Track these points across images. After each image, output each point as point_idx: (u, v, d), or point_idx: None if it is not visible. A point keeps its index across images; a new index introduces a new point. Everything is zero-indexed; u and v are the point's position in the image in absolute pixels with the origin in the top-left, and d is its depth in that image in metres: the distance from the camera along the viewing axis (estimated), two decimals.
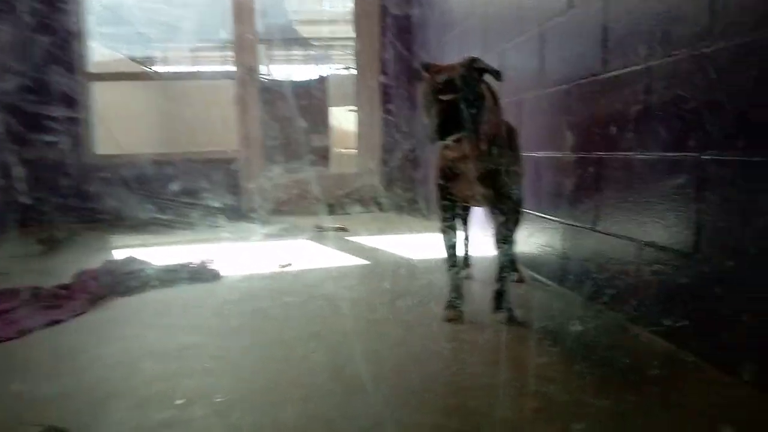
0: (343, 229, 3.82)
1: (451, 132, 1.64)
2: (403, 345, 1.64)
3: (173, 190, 4.39)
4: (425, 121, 1.73)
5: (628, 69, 1.72)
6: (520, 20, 2.45)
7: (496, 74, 1.75)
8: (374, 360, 1.53)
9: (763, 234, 1.26)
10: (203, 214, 4.31)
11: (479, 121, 1.69)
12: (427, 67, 1.74)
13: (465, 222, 2.42)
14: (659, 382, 1.35)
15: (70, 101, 4.37)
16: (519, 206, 2.12)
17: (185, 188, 4.45)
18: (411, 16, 4.67)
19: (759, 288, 1.27)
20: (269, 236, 3.72)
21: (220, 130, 5.76)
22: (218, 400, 1.35)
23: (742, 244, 1.31)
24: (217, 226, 4.09)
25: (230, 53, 5.03)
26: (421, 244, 3.20)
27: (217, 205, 4.41)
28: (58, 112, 4.28)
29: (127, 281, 2.38)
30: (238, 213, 4.47)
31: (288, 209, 4.72)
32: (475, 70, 1.71)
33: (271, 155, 4.91)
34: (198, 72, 7.00)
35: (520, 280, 2.29)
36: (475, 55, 1.76)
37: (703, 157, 1.42)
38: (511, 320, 1.80)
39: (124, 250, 3.22)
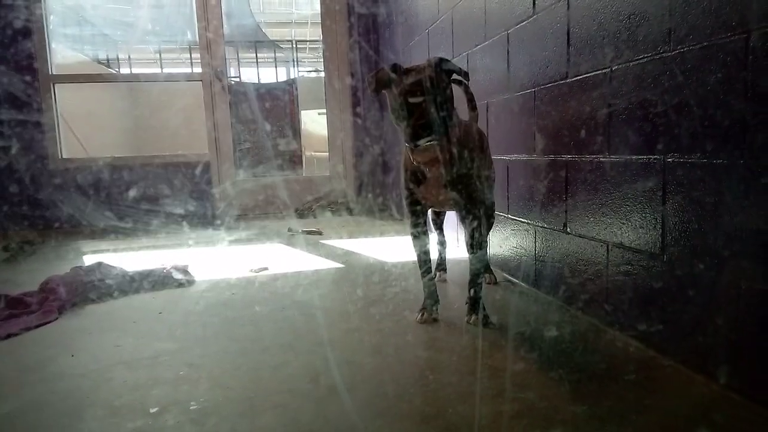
0: (316, 232, 3.82)
1: (421, 135, 1.62)
2: (378, 354, 1.63)
3: (134, 195, 4.33)
4: (395, 124, 1.72)
5: (592, 73, 1.76)
6: (486, 24, 2.48)
7: (464, 75, 1.75)
8: (349, 369, 1.53)
9: (727, 235, 1.30)
10: (165, 221, 4.26)
11: (449, 124, 1.67)
12: (395, 69, 1.71)
13: (439, 226, 2.44)
14: (635, 387, 1.36)
15: (29, 104, 4.27)
16: (491, 210, 2.13)
17: (148, 194, 4.39)
18: (377, 16, 4.69)
19: (728, 289, 1.30)
20: (240, 241, 3.69)
21: (186, 133, 5.70)
22: (193, 407, 1.34)
23: (708, 245, 1.35)
24: (179, 233, 4.04)
25: (197, 55, 4.98)
26: (393, 248, 3.21)
27: (180, 211, 4.36)
28: (12, 115, 4.18)
29: (96, 287, 2.34)
30: (202, 219, 4.42)
31: (255, 215, 4.69)
32: (443, 71, 1.68)
33: (238, 159, 4.88)
34: (164, 74, 6.89)
35: (492, 282, 2.32)
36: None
37: (667, 159, 1.46)
38: (486, 325, 1.81)
39: (91, 256, 3.17)
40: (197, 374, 1.54)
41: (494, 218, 2.35)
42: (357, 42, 4.69)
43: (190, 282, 2.51)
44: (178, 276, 2.50)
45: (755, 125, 1.21)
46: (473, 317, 1.84)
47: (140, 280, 2.45)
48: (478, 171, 1.84)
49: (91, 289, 2.32)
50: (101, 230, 4.14)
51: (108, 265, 2.56)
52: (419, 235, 1.92)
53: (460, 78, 1.80)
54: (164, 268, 2.53)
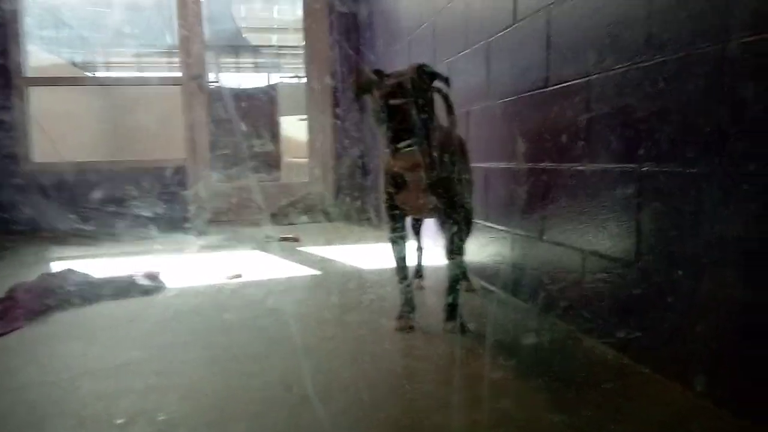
0: (293, 239, 3.78)
1: (402, 138, 1.59)
2: (355, 362, 1.60)
3: (108, 200, 4.25)
4: (376, 128, 1.69)
5: (572, 81, 1.76)
6: (468, 33, 2.49)
7: (445, 80, 1.74)
8: (324, 378, 1.50)
9: (706, 243, 1.30)
10: (139, 226, 4.19)
11: (430, 128, 1.66)
12: (378, 73, 1.70)
13: (417, 232, 2.42)
14: (613, 396, 1.35)
15: (1, 107, 4.18)
16: (470, 216, 2.12)
17: (122, 199, 4.31)
18: (359, 22, 4.66)
19: (707, 297, 1.30)
20: (214, 247, 3.64)
21: (164, 138, 5.63)
22: (162, 418, 1.30)
23: (684, 253, 1.36)
24: (153, 239, 3.97)
25: (176, 59, 4.92)
26: (371, 254, 3.19)
27: (154, 216, 4.28)
28: None
29: (65, 295, 2.28)
30: (177, 225, 4.35)
31: (228, 219, 4.63)
32: (425, 74, 1.68)
33: (216, 163, 4.82)
34: (142, 78, 6.81)
35: (470, 289, 2.31)
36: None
37: (642, 168, 1.47)
38: (464, 331, 1.80)
39: (61, 263, 3.09)
40: (167, 383, 1.50)
41: (473, 224, 2.34)
42: (337, 42, 4.64)
43: (159, 289, 2.45)
44: (143, 282, 2.44)
45: (733, 134, 1.22)
46: (451, 324, 1.82)
47: (112, 286, 2.39)
48: (458, 176, 1.83)
49: (59, 296, 2.26)
50: (73, 236, 4.06)
51: (76, 271, 2.50)
52: (397, 240, 1.90)
53: (440, 86, 1.79)
54: (136, 275, 2.48)
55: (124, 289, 2.39)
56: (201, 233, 4.13)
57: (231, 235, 3.99)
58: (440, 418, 1.26)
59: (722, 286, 1.25)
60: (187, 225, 4.32)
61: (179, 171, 4.53)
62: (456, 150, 1.89)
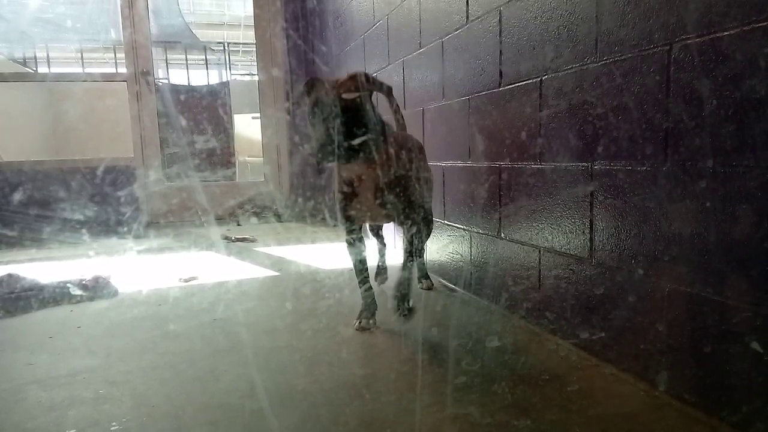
0: (250, 240, 3.72)
1: (347, 150, 1.56)
2: (310, 375, 1.54)
3: (54, 202, 4.09)
4: (315, 139, 1.59)
5: (523, 82, 1.79)
6: (422, 32, 2.50)
7: (387, 90, 1.72)
8: (279, 392, 1.44)
9: (660, 240, 1.33)
10: (88, 228, 4.05)
11: (375, 136, 1.63)
12: (313, 82, 1.65)
13: (377, 232, 2.41)
14: (579, 397, 1.35)
15: None
16: (430, 216, 2.11)
17: (69, 200, 4.16)
18: (313, 18, 4.58)
19: (664, 294, 1.33)
20: (167, 249, 3.54)
21: (112, 136, 5.46)
22: (115, 428, 1.26)
23: (639, 250, 1.39)
24: (102, 241, 3.84)
25: (122, 55, 4.77)
26: (328, 254, 3.17)
27: (104, 218, 4.15)
28: None
29: (9, 300, 2.18)
30: (127, 226, 4.23)
31: (183, 222, 4.53)
32: (365, 82, 1.62)
33: (166, 164, 4.71)
34: (86, 74, 6.57)
35: (429, 287, 2.32)
36: (376, 65, 1.74)
37: (594, 167, 1.50)
38: (409, 313, 1.77)
39: (3, 267, 2.96)
40: (119, 392, 1.45)
41: (432, 224, 2.34)
42: (284, 30, 4.54)
43: (110, 293, 2.37)
44: (102, 287, 2.37)
45: (678, 133, 1.25)
46: (401, 307, 1.78)
47: (60, 291, 2.30)
48: (416, 175, 1.82)
49: (5, 301, 2.16)
50: (19, 239, 3.89)
51: (21, 276, 2.40)
52: (354, 242, 1.88)
53: (384, 91, 1.77)
54: (85, 279, 2.39)
55: (70, 293, 2.31)
56: (139, 236, 4.02)
57: (186, 237, 3.90)
58: (401, 427, 1.24)
59: (679, 283, 1.27)
60: (122, 228, 4.19)
61: (129, 172, 4.40)
62: (413, 148, 1.88)
